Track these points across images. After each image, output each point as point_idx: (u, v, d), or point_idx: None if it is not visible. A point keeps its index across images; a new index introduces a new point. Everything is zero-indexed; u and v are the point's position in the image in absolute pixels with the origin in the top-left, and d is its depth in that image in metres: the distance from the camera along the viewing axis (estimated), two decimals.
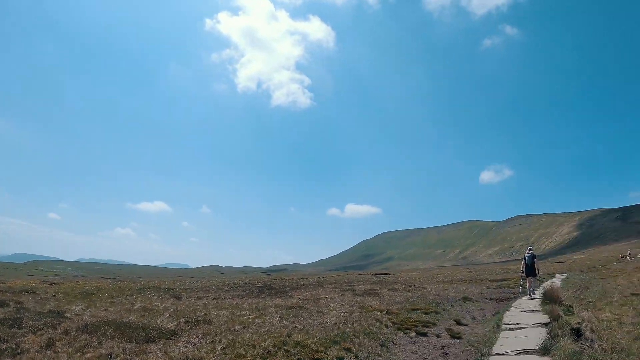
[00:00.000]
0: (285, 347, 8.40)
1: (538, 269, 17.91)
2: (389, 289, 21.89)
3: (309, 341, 8.92)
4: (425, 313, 14.05)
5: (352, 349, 8.82)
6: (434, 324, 12.40)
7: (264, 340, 8.82)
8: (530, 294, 17.19)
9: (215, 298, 18.63)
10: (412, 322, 12.26)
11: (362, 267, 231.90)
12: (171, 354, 7.97)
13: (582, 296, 15.15)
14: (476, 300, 17.78)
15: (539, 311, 13.47)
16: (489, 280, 28.41)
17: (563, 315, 11.50)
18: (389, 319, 12.32)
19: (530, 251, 18.12)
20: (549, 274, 32.41)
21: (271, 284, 28.15)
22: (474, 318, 13.91)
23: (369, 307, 14.49)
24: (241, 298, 18.50)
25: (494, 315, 13.94)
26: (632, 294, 13.12)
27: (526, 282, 17.91)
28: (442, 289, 22.74)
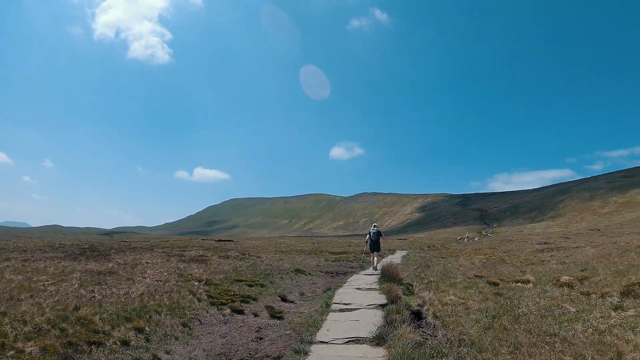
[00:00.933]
0: (64, 324, 7.27)
1: (381, 244, 18.99)
2: (220, 256, 20.38)
3: (97, 317, 7.86)
4: (250, 285, 13.04)
5: (146, 329, 7.75)
6: (255, 300, 11.31)
7: (43, 314, 7.74)
8: (373, 268, 17.81)
9: (24, 260, 16.63)
10: (230, 295, 11.21)
11: (208, 233, 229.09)
12: None
13: (423, 275, 15.01)
14: (310, 273, 17.02)
15: (375, 289, 12.88)
16: (329, 253, 28.32)
17: (402, 296, 10.83)
18: (206, 291, 11.29)
19: (376, 227, 18.85)
20: (389, 250, 33.49)
21: (98, 246, 25.04)
22: (302, 294, 12.82)
23: (189, 276, 13.51)
24: (54, 261, 16.72)
25: (324, 292, 13.01)
26: (476, 276, 13.08)
27: (369, 257, 18.79)
28: (278, 258, 21.76)
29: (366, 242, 19.11)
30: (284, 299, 11.66)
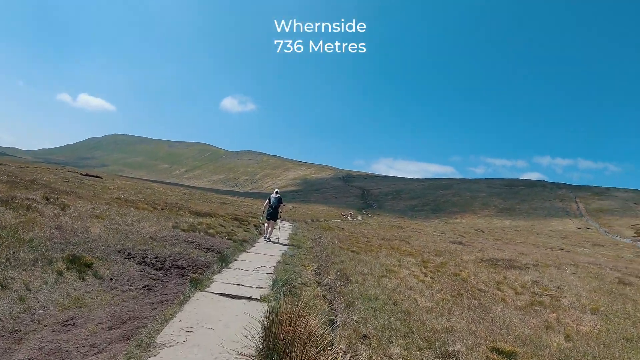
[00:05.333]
0: None
1: (281, 212, 17.02)
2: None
3: None
4: None
5: None
6: None
7: None
8: (265, 239, 15.77)
9: None
10: None
11: (84, 166, 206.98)
12: None
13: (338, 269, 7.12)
14: (113, 264, 8.17)
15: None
16: (192, 213, 19.45)
17: None
18: None
19: (277, 194, 17.02)
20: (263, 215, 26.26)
21: None
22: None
23: None
24: None
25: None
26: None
27: (267, 225, 16.32)
28: (95, 214, 12.93)
29: (264, 209, 16.86)
30: None
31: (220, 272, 8.41)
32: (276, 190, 17.76)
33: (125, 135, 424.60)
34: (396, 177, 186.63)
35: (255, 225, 20.98)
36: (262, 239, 15.60)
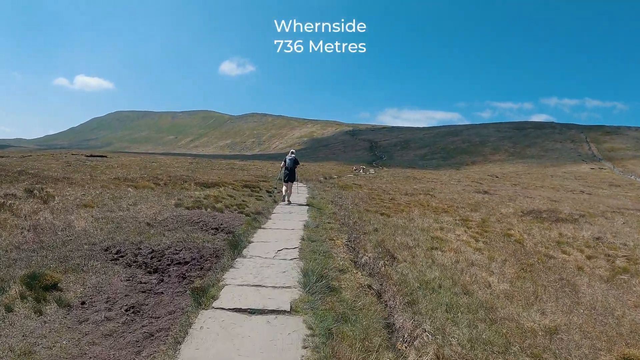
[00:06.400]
0: None
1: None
2: None
3: None
4: None
5: None
6: None
7: None
8: (288, 201, 15.32)
9: None
10: None
11: (89, 147, 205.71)
12: None
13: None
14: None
15: None
16: (197, 184, 17.52)
17: None
18: None
19: (293, 154, 15.98)
20: (279, 179, 24.57)
21: None
22: None
23: None
24: None
25: None
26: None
27: (285, 187, 15.62)
28: (82, 202, 11.06)
29: (281, 170, 16.08)
30: None
31: (232, 267, 6.48)
32: (291, 150, 16.68)
33: (127, 111, 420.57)
34: (403, 127, 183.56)
35: (267, 191, 19.07)
36: (277, 207, 14.03)
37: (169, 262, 6.73)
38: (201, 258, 7.07)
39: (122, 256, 6.82)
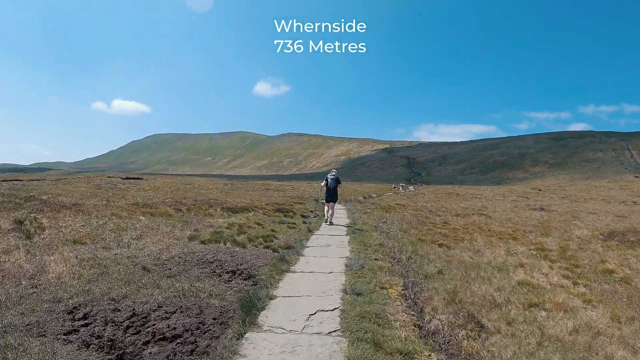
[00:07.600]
0: None
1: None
2: None
3: None
4: None
5: None
6: None
7: None
8: (330, 222, 14.65)
9: None
10: None
11: (127, 170, 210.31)
12: None
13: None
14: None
15: None
16: (223, 208, 15.45)
17: None
18: None
19: (334, 174, 15.45)
20: (316, 200, 23.11)
21: None
22: None
23: None
24: None
25: None
26: None
27: (327, 208, 15.05)
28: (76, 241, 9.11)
29: (322, 189, 16.03)
30: None
31: (236, 353, 4.16)
32: (333, 170, 16.21)
33: (165, 134, 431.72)
34: (440, 142, 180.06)
35: (302, 215, 16.97)
36: (313, 237, 11.74)
37: (150, 337, 4.54)
38: (200, 326, 4.85)
39: (86, 324, 4.70)
